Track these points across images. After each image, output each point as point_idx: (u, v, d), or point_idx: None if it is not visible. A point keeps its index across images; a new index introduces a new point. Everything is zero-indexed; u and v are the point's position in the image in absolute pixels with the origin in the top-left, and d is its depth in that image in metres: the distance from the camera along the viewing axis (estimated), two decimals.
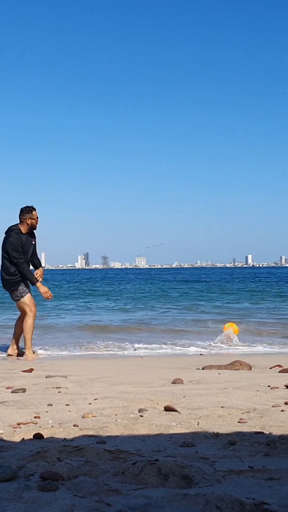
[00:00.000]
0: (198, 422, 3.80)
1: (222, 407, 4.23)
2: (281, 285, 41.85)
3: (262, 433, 3.46)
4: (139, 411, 4.09)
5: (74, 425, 3.69)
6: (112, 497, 2.21)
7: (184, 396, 4.73)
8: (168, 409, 4.13)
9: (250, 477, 2.55)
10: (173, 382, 5.68)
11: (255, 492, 2.31)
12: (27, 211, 10.22)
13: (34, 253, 10.38)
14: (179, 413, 4.04)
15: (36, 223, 10.25)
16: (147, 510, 2.07)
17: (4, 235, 10.27)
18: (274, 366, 7.46)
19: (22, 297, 10.02)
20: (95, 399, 4.64)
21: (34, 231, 10.28)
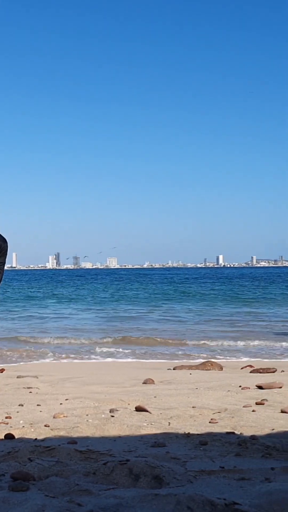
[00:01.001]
0: (169, 422, 3.80)
1: (193, 407, 4.24)
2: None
3: (233, 433, 3.47)
4: (110, 411, 4.08)
5: (45, 425, 3.67)
6: (83, 497, 2.20)
7: (155, 396, 4.73)
8: (139, 409, 4.12)
9: (221, 477, 2.55)
10: (144, 383, 5.68)
11: (226, 492, 2.32)
12: None
13: None
14: (150, 413, 4.04)
15: None
16: (118, 510, 2.06)
17: None
18: (245, 367, 7.50)
19: None
20: (66, 399, 4.63)
21: None
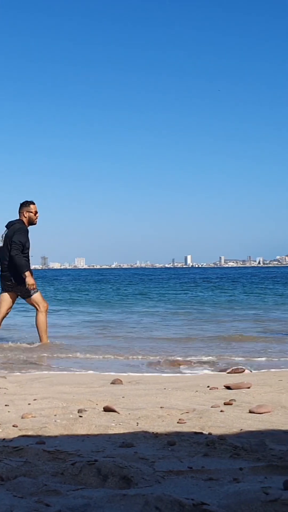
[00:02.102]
0: (137, 423, 3.80)
1: (161, 407, 4.25)
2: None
3: (201, 433, 3.49)
4: (78, 412, 4.08)
5: (13, 426, 3.66)
6: (51, 498, 2.20)
7: (123, 397, 4.73)
8: (107, 409, 4.13)
9: (189, 477, 2.56)
10: (113, 383, 5.67)
11: (194, 492, 2.33)
12: (24, 204, 10.05)
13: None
14: (119, 413, 4.05)
15: (35, 217, 10.08)
16: (86, 510, 2.06)
17: (6, 229, 10.06)
18: (214, 367, 7.51)
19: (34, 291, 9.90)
20: (35, 400, 4.61)
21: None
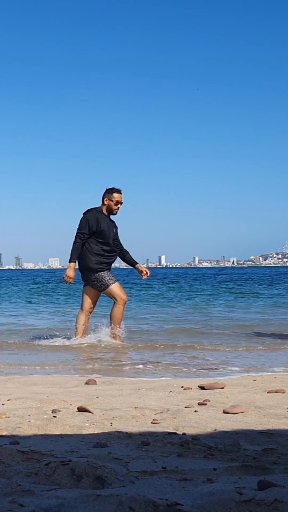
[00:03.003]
0: (111, 423, 3.80)
1: (135, 407, 4.25)
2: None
3: (175, 433, 3.49)
4: (52, 412, 4.07)
5: None
6: (25, 498, 2.19)
7: (97, 397, 4.72)
8: (81, 409, 4.12)
9: (163, 477, 2.57)
10: (87, 383, 5.67)
11: (168, 492, 2.33)
12: (107, 191, 9.75)
13: (117, 242, 9.93)
14: (93, 413, 4.04)
15: (115, 207, 9.74)
16: (60, 510, 2.06)
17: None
18: (188, 367, 7.52)
19: (110, 284, 9.65)
20: (8, 400, 4.59)
21: (115, 221, 9.87)
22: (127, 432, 3.52)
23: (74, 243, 9.65)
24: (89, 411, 4.08)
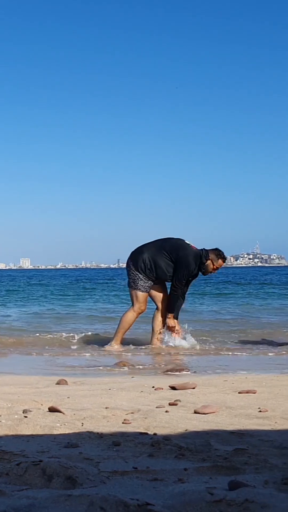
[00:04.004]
0: (82, 423, 3.80)
1: (106, 408, 4.24)
2: None
3: (146, 434, 3.49)
4: (23, 412, 4.05)
5: None
6: None
7: (68, 397, 4.71)
8: (52, 410, 4.11)
9: (134, 478, 2.57)
10: (58, 383, 5.65)
11: (139, 492, 2.33)
12: (215, 252, 9.45)
13: (186, 289, 9.70)
14: (64, 414, 4.03)
15: (210, 270, 9.48)
16: (31, 511, 2.05)
17: (181, 244, 9.53)
18: (159, 367, 7.53)
19: (140, 289, 9.49)
20: None
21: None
22: (98, 432, 3.52)
23: (176, 293, 9.53)
24: (60, 411, 4.07)
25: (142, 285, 9.54)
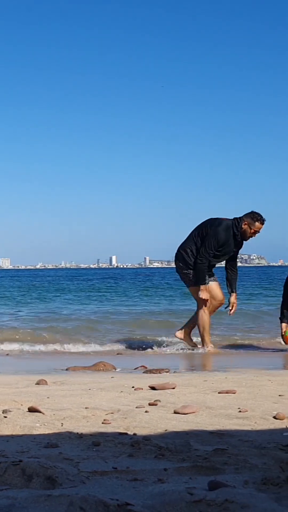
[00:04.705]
0: (62, 423, 3.79)
1: (86, 408, 4.24)
2: None
3: (126, 434, 3.49)
4: (2, 412, 4.04)
5: None
6: None
7: (48, 397, 4.71)
8: (32, 410, 4.10)
9: (114, 478, 2.57)
10: (37, 383, 5.64)
11: (119, 493, 2.33)
12: (251, 215, 9.21)
13: (232, 262, 9.61)
14: (43, 414, 4.03)
15: (249, 235, 9.22)
16: (11, 511, 2.05)
17: (211, 220, 9.33)
18: (139, 367, 7.54)
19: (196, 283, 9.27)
20: None
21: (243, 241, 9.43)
22: (78, 433, 3.51)
23: (201, 263, 9.31)
24: (40, 412, 4.06)
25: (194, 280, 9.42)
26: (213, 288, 9.48)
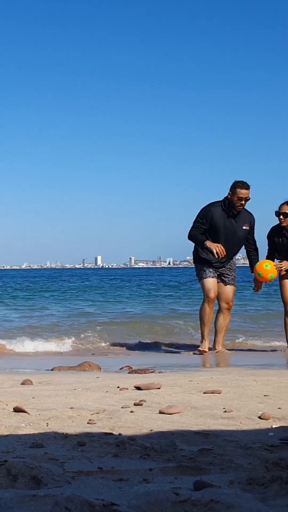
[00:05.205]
0: (47, 423, 3.78)
1: (71, 408, 4.24)
2: None
3: (111, 434, 3.49)
4: None
5: None
6: None
7: (33, 397, 4.70)
8: (17, 410, 4.09)
9: (100, 478, 2.57)
10: (23, 383, 5.63)
11: (104, 493, 2.33)
12: (233, 185, 9.17)
13: (244, 241, 9.48)
14: (29, 414, 4.02)
15: (236, 204, 9.14)
16: None
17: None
18: (124, 367, 7.54)
19: (201, 278, 9.29)
20: None
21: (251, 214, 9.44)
22: (63, 433, 3.51)
23: (189, 235, 9.45)
24: (25, 412, 4.05)
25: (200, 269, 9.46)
26: (219, 286, 9.44)
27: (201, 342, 9.41)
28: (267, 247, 9.67)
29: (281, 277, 9.47)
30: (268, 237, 9.64)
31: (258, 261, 9.48)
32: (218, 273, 9.40)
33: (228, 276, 9.46)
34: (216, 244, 9.17)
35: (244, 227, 9.35)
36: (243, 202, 9.18)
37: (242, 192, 9.14)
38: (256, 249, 9.70)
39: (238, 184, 9.15)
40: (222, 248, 9.15)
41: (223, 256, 9.17)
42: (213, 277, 9.35)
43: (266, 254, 9.66)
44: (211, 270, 9.33)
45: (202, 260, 9.38)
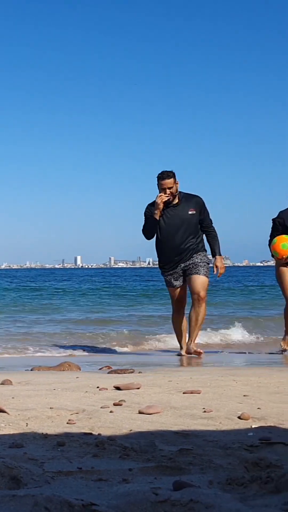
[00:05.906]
0: (27, 423, 3.78)
1: (51, 408, 4.23)
2: None
3: (91, 434, 3.49)
4: None
5: None
6: None
7: (13, 397, 4.68)
8: None
9: (79, 478, 2.57)
10: (2, 383, 5.62)
11: (84, 493, 2.33)
12: (156, 178, 9.01)
13: (195, 227, 9.14)
14: (8, 414, 4.01)
15: (161, 194, 8.96)
16: None
17: None
18: (104, 367, 7.54)
19: (167, 286, 9.26)
20: None
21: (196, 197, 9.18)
22: (42, 433, 3.50)
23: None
24: (4, 411, 4.04)
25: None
26: (187, 279, 9.27)
27: (180, 349, 9.39)
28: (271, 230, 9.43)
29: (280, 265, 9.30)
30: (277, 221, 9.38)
31: (217, 243, 9.36)
32: (181, 273, 9.26)
33: (193, 269, 9.13)
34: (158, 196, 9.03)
35: (190, 212, 9.10)
36: (168, 192, 8.97)
37: (164, 183, 8.98)
38: (213, 231, 9.41)
39: (158, 176, 9.05)
40: (163, 195, 8.98)
41: (169, 197, 9.02)
42: (174, 286, 9.27)
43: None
44: (170, 278, 9.25)
45: (161, 268, 9.37)
